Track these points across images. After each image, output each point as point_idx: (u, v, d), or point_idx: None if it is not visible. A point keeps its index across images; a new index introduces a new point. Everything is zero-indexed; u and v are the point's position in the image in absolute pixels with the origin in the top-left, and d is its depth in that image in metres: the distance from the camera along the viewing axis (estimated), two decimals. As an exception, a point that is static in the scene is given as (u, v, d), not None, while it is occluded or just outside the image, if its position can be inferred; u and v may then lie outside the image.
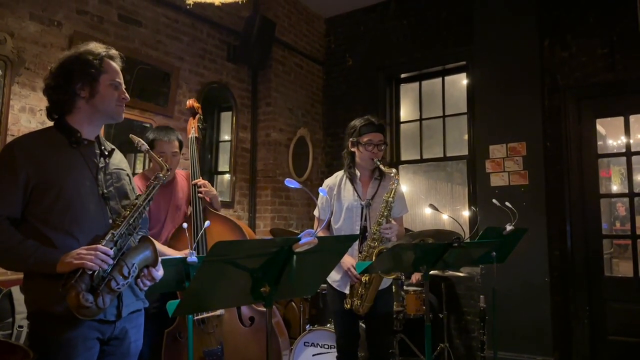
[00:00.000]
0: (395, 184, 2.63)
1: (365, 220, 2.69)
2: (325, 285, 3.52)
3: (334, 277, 2.73)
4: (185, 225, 2.18)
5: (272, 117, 4.98)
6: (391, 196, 2.62)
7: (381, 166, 2.67)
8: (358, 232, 2.68)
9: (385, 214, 2.60)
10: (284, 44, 5.10)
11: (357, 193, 2.74)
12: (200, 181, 2.95)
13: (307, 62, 5.46)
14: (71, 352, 1.58)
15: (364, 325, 2.89)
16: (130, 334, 1.76)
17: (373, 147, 2.70)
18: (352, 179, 2.78)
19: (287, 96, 5.16)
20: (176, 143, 2.89)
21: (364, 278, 2.59)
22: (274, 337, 2.99)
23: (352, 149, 2.79)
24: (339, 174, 2.87)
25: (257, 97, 5.02)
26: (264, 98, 5.02)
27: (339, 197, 2.78)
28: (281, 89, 5.08)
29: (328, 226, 2.83)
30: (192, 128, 3.08)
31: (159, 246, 2.74)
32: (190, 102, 3.16)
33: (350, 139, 2.78)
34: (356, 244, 2.67)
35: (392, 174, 2.65)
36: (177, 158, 2.93)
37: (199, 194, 2.91)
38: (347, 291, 2.66)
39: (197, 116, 3.12)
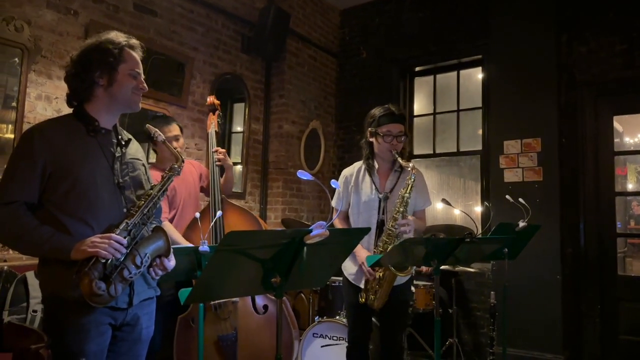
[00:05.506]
0: (412, 179, 2.52)
1: (383, 213, 2.60)
2: (335, 278, 3.54)
3: (350, 269, 2.67)
4: (197, 215, 2.21)
5: (285, 109, 4.97)
6: (407, 192, 2.51)
7: (399, 159, 2.56)
8: (375, 226, 2.61)
9: (401, 209, 2.50)
10: (298, 36, 5.08)
11: (375, 185, 2.66)
12: (221, 149, 3.10)
13: (321, 54, 5.44)
14: (84, 337, 1.60)
15: (374, 320, 2.87)
16: (142, 320, 1.78)
17: (392, 138, 2.58)
18: (370, 170, 2.69)
19: (300, 88, 5.15)
20: (176, 126, 3.03)
21: (378, 274, 2.52)
22: (287, 326, 3.02)
23: (371, 139, 2.68)
24: (358, 164, 2.79)
25: (270, 89, 5.02)
26: (277, 90, 5.02)
27: (356, 189, 2.71)
28: (294, 81, 5.07)
29: (347, 218, 2.78)
30: (212, 123, 3.21)
31: (174, 235, 2.80)
32: (211, 99, 3.28)
33: (369, 129, 2.67)
34: (373, 239, 2.61)
35: (409, 168, 2.52)
36: (181, 141, 3.06)
37: (217, 162, 3.06)
38: (362, 285, 2.60)
39: (217, 112, 3.25)
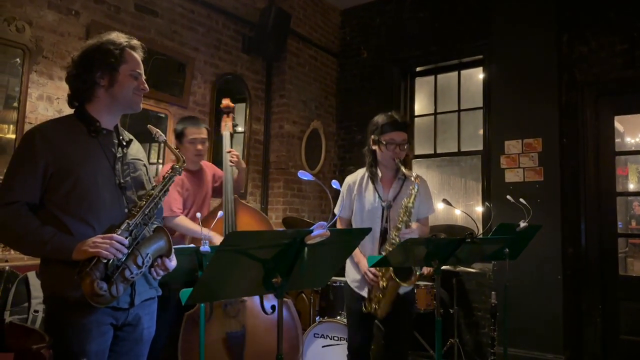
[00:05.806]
0: (416, 189, 2.50)
1: (387, 221, 2.58)
2: (336, 278, 3.55)
3: (354, 277, 2.65)
4: (199, 215, 2.22)
5: (286, 109, 4.97)
6: (411, 202, 2.49)
7: (402, 168, 2.55)
8: (378, 234, 2.58)
9: (404, 219, 2.49)
10: (299, 36, 5.08)
11: (378, 193, 2.63)
12: (234, 151, 3.16)
13: (322, 54, 5.44)
14: (85, 337, 1.61)
15: (377, 322, 2.85)
16: (143, 320, 1.79)
17: (395, 146, 2.57)
18: (373, 178, 2.67)
19: (301, 88, 5.15)
20: (205, 130, 3.09)
21: (381, 284, 2.50)
22: (294, 327, 3.05)
23: (374, 147, 2.65)
24: (361, 171, 2.76)
25: (271, 89, 5.02)
26: (277, 90, 5.02)
27: (359, 197, 2.68)
28: (295, 81, 5.08)
29: (349, 225, 2.76)
30: (227, 125, 3.27)
31: (192, 226, 2.89)
32: (226, 101, 3.33)
33: (372, 137, 2.65)
34: (376, 247, 2.59)
35: (412, 177, 2.51)
36: (206, 145, 3.12)
37: (230, 163, 3.10)
38: (365, 294, 2.58)
39: (231, 115, 3.31)
